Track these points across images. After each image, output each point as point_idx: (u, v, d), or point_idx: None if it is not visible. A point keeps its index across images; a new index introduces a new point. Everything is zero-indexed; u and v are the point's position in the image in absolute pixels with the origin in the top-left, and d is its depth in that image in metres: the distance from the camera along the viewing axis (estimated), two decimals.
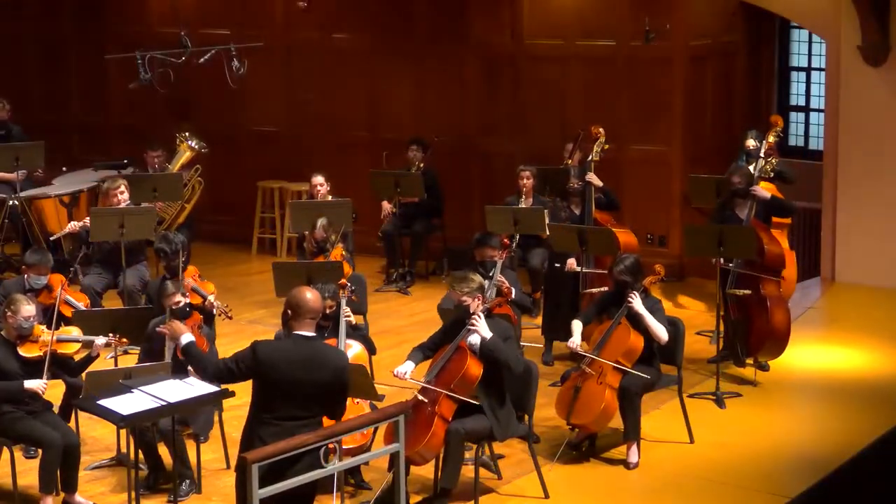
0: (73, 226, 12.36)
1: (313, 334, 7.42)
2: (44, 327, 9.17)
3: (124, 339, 9.54)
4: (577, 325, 9.97)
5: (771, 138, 11.81)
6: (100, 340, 9.32)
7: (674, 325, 9.99)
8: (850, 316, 13.13)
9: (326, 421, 7.54)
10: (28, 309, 9.03)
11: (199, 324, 9.71)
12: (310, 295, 7.42)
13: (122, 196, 12.18)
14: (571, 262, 11.68)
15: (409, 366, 9.08)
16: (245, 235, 15.55)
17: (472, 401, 8.86)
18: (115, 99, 16.50)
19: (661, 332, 9.70)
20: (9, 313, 9.03)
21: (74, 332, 9.45)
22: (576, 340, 9.86)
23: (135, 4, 16.34)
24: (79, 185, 14.31)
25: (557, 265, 11.83)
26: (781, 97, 15.67)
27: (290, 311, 7.42)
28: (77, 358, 9.36)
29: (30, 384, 8.91)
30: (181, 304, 9.68)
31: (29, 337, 9.07)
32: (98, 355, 9.35)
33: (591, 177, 11.83)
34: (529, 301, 11.59)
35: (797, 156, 15.05)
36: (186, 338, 7.65)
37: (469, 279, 9.11)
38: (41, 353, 9.02)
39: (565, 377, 10.09)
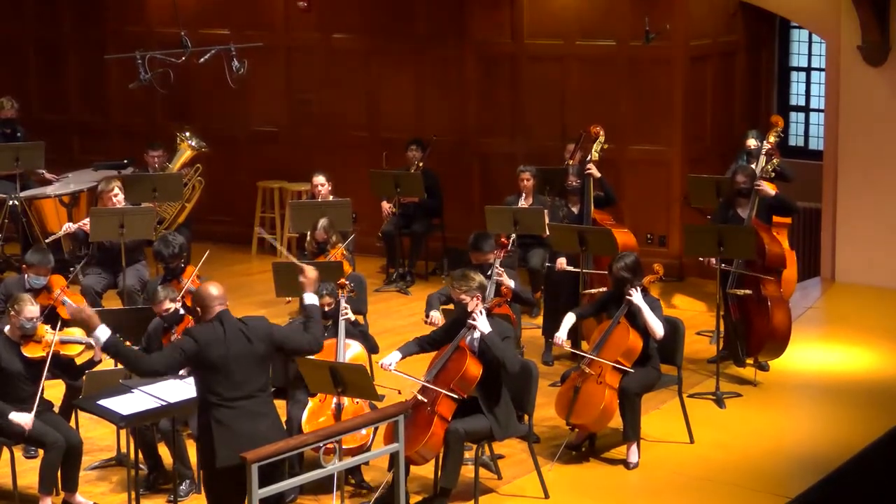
0: (69, 227, 12.34)
1: (225, 309, 7.52)
2: (48, 328, 9.17)
3: (127, 342, 9.52)
4: (568, 318, 9.96)
5: (771, 138, 11.80)
6: None
7: (674, 325, 10.00)
8: (850, 316, 13.13)
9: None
10: (31, 310, 9.04)
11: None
12: (211, 288, 7.53)
13: (117, 199, 12.17)
14: (561, 262, 11.68)
15: (394, 356, 9.10)
16: (245, 235, 15.54)
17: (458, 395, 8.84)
18: (115, 99, 16.48)
19: (658, 328, 9.71)
20: (12, 312, 9.05)
21: (78, 333, 9.45)
22: (561, 335, 9.86)
23: (135, 4, 16.33)
24: (79, 185, 14.31)
25: (549, 265, 11.84)
26: (781, 97, 15.67)
27: (199, 309, 7.51)
28: (80, 360, 9.37)
29: (16, 417, 8.86)
30: (171, 310, 9.66)
31: (32, 337, 9.08)
32: (101, 360, 9.34)
33: (591, 168, 11.81)
34: (530, 293, 11.58)
35: (797, 156, 15.04)
36: (103, 335, 7.37)
37: (469, 278, 9.12)
38: (44, 354, 9.03)
39: (565, 377, 10.09)
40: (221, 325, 7.43)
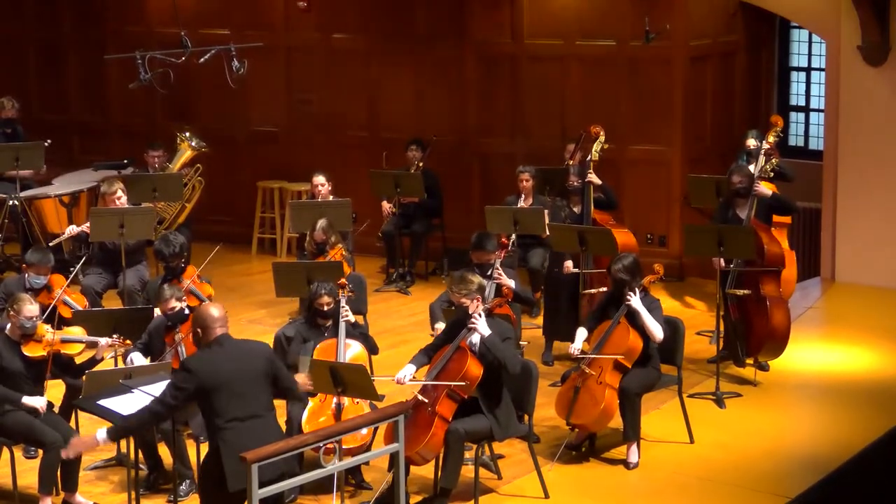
0: (73, 230, 12.34)
1: (225, 332, 7.52)
2: (48, 327, 9.18)
3: (128, 341, 9.53)
4: (581, 333, 9.95)
5: (771, 138, 11.81)
6: (103, 341, 9.32)
7: (674, 325, 10.00)
8: (850, 316, 13.13)
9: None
10: (31, 309, 9.04)
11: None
12: (212, 310, 7.54)
13: (120, 201, 12.16)
14: (568, 265, 11.69)
15: (409, 369, 9.10)
16: (245, 235, 15.54)
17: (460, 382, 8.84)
18: (115, 99, 16.49)
19: (657, 331, 9.71)
20: (12, 312, 9.05)
21: (78, 332, 9.45)
22: (577, 346, 9.84)
23: (135, 4, 16.33)
24: (79, 185, 14.31)
25: (556, 270, 11.84)
26: (781, 97, 15.67)
27: (199, 330, 7.50)
28: (80, 359, 9.37)
29: (29, 401, 8.88)
30: (176, 309, 9.66)
31: (33, 336, 9.08)
32: (102, 359, 9.35)
33: (591, 176, 11.84)
34: (530, 293, 11.59)
35: (797, 156, 15.05)
36: (101, 437, 7.58)
37: (467, 281, 9.11)
38: (45, 353, 9.03)
39: (565, 377, 10.09)
40: (220, 345, 7.41)
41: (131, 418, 7.66)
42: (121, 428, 7.67)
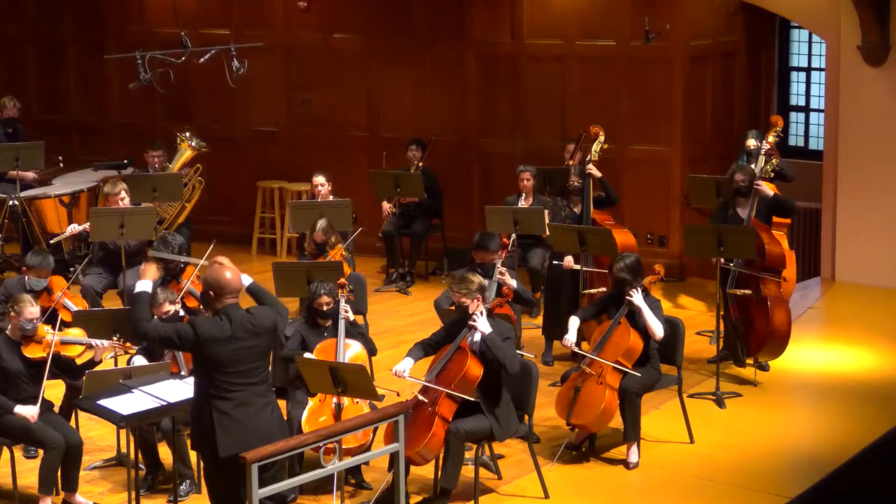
0: (74, 228, 12.33)
1: (235, 302, 7.53)
2: (48, 328, 9.17)
3: (128, 343, 9.53)
4: (573, 322, 9.97)
5: (771, 138, 11.81)
6: (103, 343, 9.32)
7: (674, 325, 10.00)
8: (850, 316, 13.13)
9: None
10: (32, 311, 9.04)
11: None
12: (229, 274, 7.53)
13: (124, 202, 12.16)
14: (569, 260, 11.68)
15: (407, 363, 9.10)
16: (245, 235, 15.54)
17: (469, 398, 8.86)
18: (115, 99, 16.49)
19: (658, 328, 9.72)
20: (12, 313, 9.04)
21: (78, 334, 9.44)
22: (570, 338, 9.86)
23: (135, 4, 16.34)
24: (79, 185, 14.31)
25: (557, 262, 11.84)
26: (781, 97, 15.68)
27: (211, 293, 7.50)
28: (80, 361, 9.36)
29: (21, 410, 8.87)
30: (171, 312, 9.66)
31: (33, 337, 9.07)
32: (101, 361, 9.35)
33: (592, 169, 11.81)
34: (531, 293, 11.59)
35: (797, 156, 15.06)
36: (143, 285, 7.55)
37: (468, 280, 9.11)
38: (45, 355, 9.03)
39: (565, 377, 10.10)
40: (228, 319, 7.41)
41: (145, 311, 7.56)
42: (142, 308, 7.49)
